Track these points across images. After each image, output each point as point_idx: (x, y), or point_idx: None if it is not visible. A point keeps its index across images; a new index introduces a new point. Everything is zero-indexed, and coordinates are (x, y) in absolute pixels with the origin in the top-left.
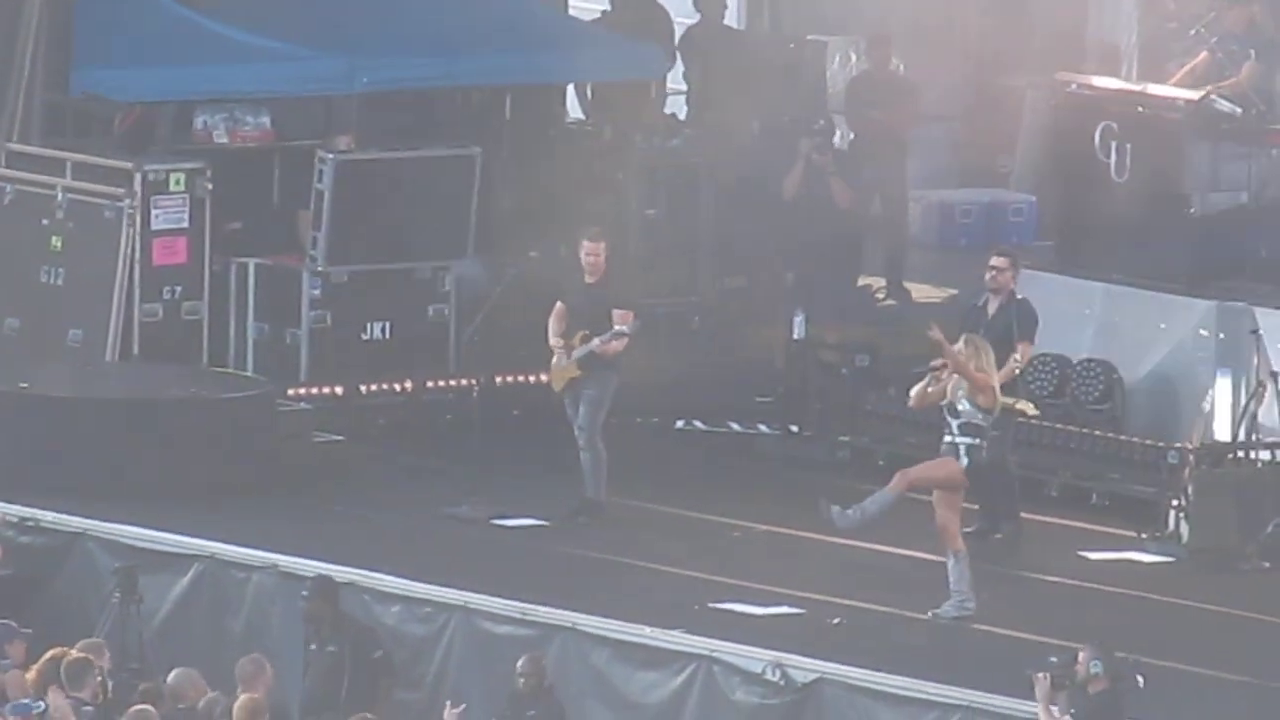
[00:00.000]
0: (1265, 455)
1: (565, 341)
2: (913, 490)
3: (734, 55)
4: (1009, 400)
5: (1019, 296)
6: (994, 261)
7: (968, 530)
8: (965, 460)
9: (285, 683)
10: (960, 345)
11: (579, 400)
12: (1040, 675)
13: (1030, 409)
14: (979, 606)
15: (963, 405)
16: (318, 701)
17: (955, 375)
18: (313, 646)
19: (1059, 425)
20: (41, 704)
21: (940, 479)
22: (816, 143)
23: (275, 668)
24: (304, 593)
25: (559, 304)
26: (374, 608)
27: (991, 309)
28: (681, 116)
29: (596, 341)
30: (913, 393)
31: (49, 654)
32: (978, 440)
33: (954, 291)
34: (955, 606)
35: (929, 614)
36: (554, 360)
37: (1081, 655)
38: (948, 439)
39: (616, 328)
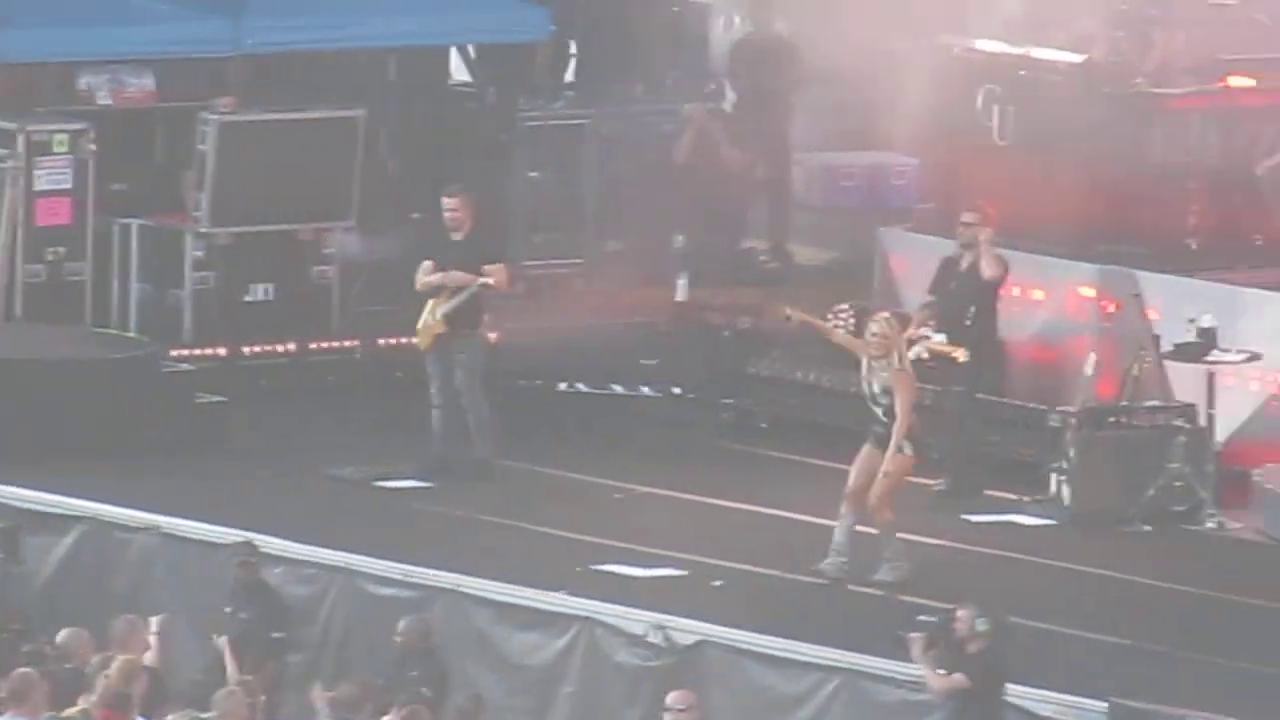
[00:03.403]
0: (1145, 419)
1: (434, 301)
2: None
3: (618, 16)
4: (945, 348)
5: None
6: (964, 218)
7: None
8: (909, 449)
9: (167, 643)
10: (874, 325)
11: (451, 365)
12: (914, 635)
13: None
14: (859, 568)
15: (878, 391)
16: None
17: (866, 360)
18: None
19: (940, 388)
20: None
21: (904, 478)
22: (708, 107)
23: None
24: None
25: (426, 262)
26: (257, 569)
27: (964, 264)
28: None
29: (463, 295)
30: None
31: None
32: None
33: (837, 254)
34: (891, 570)
35: (875, 577)
36: (422, 318)
37: (962, 613)
38: (879, 429)
39: (480, 280)
